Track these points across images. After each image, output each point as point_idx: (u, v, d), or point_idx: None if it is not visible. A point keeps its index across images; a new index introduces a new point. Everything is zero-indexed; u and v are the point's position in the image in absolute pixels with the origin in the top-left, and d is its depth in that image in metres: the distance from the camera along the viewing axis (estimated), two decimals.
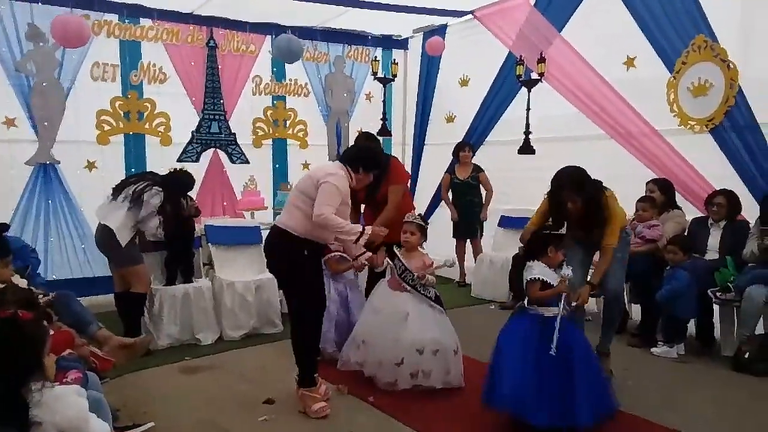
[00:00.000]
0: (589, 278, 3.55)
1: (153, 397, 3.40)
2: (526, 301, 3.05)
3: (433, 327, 3.46)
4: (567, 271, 2.96)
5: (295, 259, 3.18)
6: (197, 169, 6.16)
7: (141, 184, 4.15)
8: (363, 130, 5.43)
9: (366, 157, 3.41)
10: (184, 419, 3.13)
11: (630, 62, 5.33)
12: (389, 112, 7.47)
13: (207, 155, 6.48)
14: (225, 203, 6.59)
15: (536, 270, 3.03)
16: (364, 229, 3.20)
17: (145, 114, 5.97)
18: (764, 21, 4.51)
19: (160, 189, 4.16)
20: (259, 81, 6.74)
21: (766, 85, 4.47)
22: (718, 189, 4.55)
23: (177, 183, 4.43)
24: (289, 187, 6.62)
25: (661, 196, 4.72)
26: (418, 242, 3.63)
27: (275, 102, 6.90)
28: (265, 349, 4.39)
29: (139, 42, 5.88)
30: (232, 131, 6.56)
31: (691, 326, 4.37)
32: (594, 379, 2.89)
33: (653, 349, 4.23)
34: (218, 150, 6.53)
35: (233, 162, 6.63)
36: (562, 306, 2.92)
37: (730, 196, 4.40)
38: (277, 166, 6.98)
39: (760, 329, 4.03)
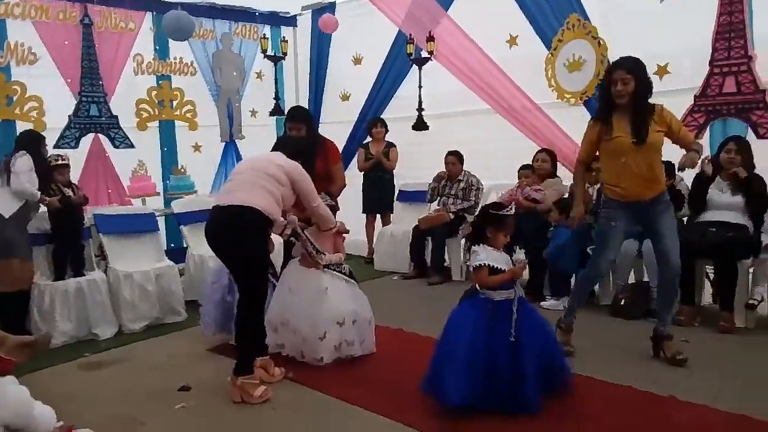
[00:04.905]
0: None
1: (56, 397, 3.16)
2: (477, 286, 2.91)
3: (351, 299, 3.57)
4: (520, 255, 2.87)
5: (262, 238, 3.14)
6: (77, 156, 5.77)
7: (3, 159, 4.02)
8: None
9: (306, 156, 3.49)
10: (94, 415, 2.98)
11: (512, 41, 5.68)
12: (281, 91, 7.39)
13: (87, 140, 6.05)
14: (110, 190, 6.21)
15: (482, 255, 2.87)
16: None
17: (15, 98, 5.44)
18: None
19: (23, 151, 4.01)
20: (141, 60, 6.37)
21: None
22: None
23: (29, 138, 4.25)
24: (182, 170, 6.39)
25: (550, 165, 5.19)
26: None
27: (160, 82, 6.56)
28: (172, 338, 4.27)
29: (3, 20, 5.34)
30: (114, 114, 6.16)
31: (574, 280, 4.83)
32: (545, 358, 2.84)
33: (542, 303, 4.60)
34: (99, 134, 6.12)
35: (116, 146, 6.23)
36: (516, 290, 2.85)
37: None
38: (165, 149, 6.66)
39: (632, 279, 4.55)
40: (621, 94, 3.21)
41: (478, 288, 2.90)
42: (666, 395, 2.98)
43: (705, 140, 4.63)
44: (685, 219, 4.36)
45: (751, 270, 4.04)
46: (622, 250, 4.38)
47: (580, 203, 3.59)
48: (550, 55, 5.44)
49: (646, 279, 4.43)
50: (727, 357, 3.52)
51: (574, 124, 5.36)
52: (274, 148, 3.50)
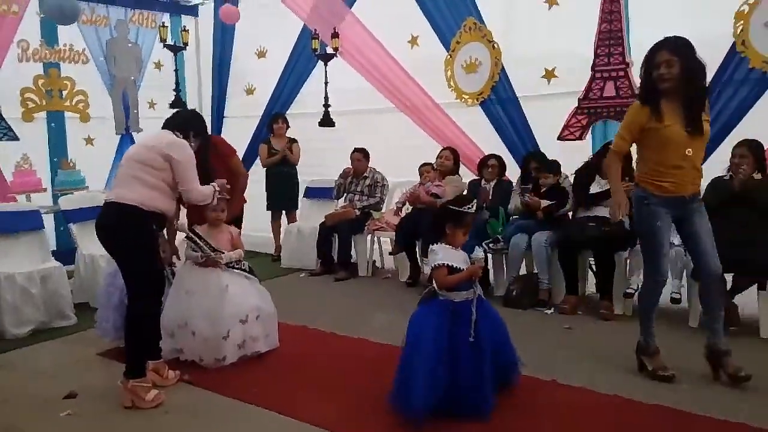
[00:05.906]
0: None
1: None
2: (435, 287, 2.80)
3: (253, 294, 3.54)
4: (479, 253, 2.83)
5: (145, 235, 3.01)
6: None
7: None
8: None
9: (196, 123, 3.34)
10: None
11: (414, 41, 5.84)
12: (182, 83, 7.14)
13: None
14: None
15: (440, 254, 2.78)
16: (215, 189, 3.23)
17: None
18: (522, 5, 5.30)
19: None
20: (26, 46, 5.93)
21: (522, 63, 5.29)
22: (488, 154, 5.27)
23: None
24: (71, 164, 6.03)
25: (453, 163, 5.36)
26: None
27: (48, 70, 6.15)
28: (59, 343, 4.04)
29: None
30: None
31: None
32: (500, 354, 2.83)
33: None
34: None
35: None
36: (476, 289, 2.78)
37: (500, 160, 5.16)
38: (53, 142, 6.26)
39: (523, 271, 4.81)
40: (664, 77, 2.85)
41: (437, 289, 2.79)
42: (548, 379, 3.19)
43: (588, 141, 4.99)
44: (570, 214, 4.68)
45: (627, 261, 4.39)
46: (513, 243, 4.66)
47: (621, 193, 3.14)
48: (449, 57, 5.63)
49: (535, 271, 4.71)
50: (606, 342, 3.79)
51: (472, 124, 5.62)
52: (163, 127, 3.32)
